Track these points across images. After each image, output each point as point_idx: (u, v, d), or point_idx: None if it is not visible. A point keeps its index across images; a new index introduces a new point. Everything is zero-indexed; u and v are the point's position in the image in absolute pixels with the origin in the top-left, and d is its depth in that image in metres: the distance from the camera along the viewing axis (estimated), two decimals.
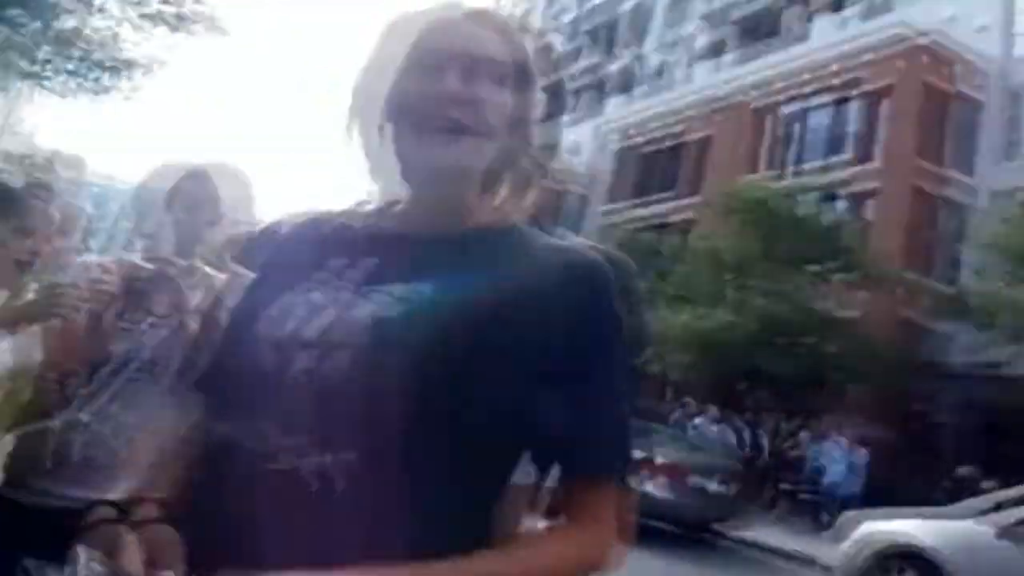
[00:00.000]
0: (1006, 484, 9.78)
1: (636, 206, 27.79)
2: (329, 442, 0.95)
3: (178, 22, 13.37)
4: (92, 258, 2.36)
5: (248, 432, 0.99)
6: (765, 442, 16.81)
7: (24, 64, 13.90)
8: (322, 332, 1.01)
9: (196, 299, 2.17)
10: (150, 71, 13.69)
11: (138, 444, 1.93)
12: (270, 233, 1.32)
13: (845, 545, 8.10)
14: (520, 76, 1.10)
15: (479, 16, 1.11)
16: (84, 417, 2.04)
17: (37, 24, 12.84)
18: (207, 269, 2.27)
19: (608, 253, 1.30)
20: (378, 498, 0.94)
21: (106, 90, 13.62)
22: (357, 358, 0.97)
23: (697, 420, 15.11)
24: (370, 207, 1.17)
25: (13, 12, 12.66)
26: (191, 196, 2.22)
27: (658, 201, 27.11)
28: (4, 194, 2.21)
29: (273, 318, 1.05)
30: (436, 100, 1.05)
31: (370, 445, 0.94)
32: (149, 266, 2.22)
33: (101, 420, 2.05)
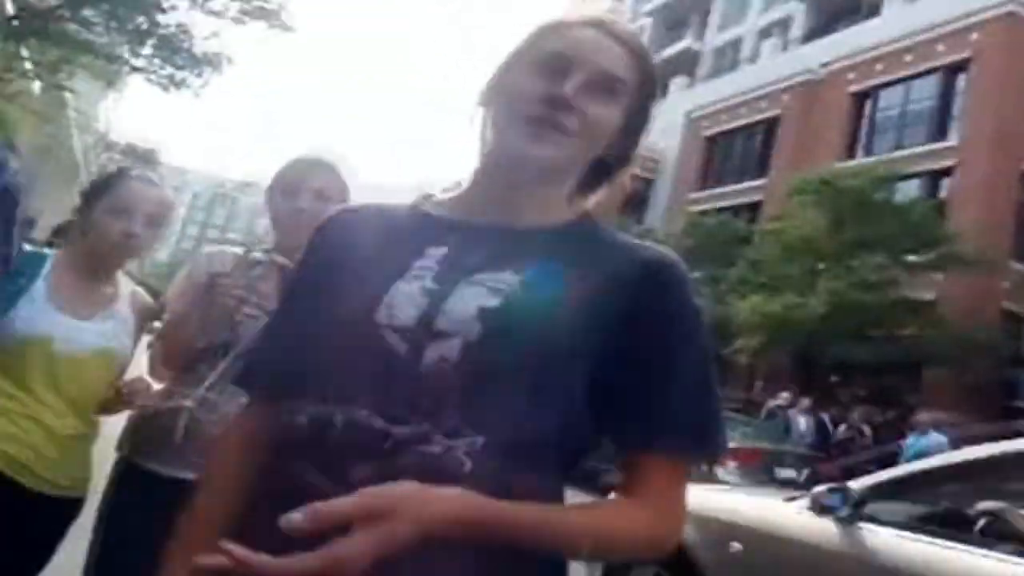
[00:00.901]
0: None
1: (706, 189, 27.28)
2: (452, 428, 0.96)
3: (243, 16, 13.52)
4: (215, 249, 2.42)
5: (344, 418, 0.98)
6: (857, 435, 16.12)
7: (100, 63, 14.23)
8: (430, 320, 1.01)
9: None
10: (219, 68, 13.83)
11: None
12: (345, 218, 1.24)
13: None
14: (636, 96, 1.13)
15: (615, 32, 1.13)
16: (188, 403, 2.11)
17: (112, 23, 13.10)
18: None
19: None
20: (501, 479, 0.95)
21: (177, 85, 13.79)
22: (466, 347, 0.99)
23: (790, 411, 14.60)
24: (447, 196, 1.19)
25: (87, 12, 12.93)
26: (326, 188, 2.25)
27: (729, 184, 26.57)
28: (100, 177, 2.26)
29: (368, 305, 1.04)
30: (548, 100, 1.06)
31: (493, 429, 0.96)
32: (263, 257, 2.26)
33: (202, 405, 2.12)
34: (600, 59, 1.09)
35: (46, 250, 2.22)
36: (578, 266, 1.06)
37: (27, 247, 2.20)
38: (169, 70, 13.86)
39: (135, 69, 14.25)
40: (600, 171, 1.17)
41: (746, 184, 25.88)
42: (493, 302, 1.02)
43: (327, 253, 1.17)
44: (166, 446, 2.12)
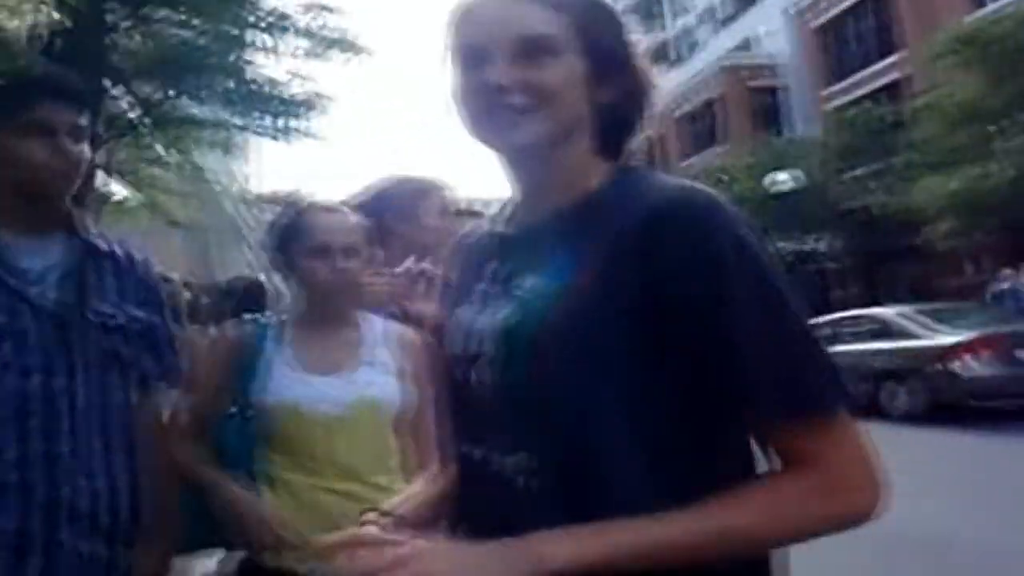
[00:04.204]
0: None
1: (835, 83, 24.46)
2: (505, 447, 0.93)
3: (324, 51, 12.53)
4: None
5: (461, 443, 1.02)
6: None
7: (209, 131, 13.81)
8: (468, 343, 0.98)
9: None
10: (321, 108, 12.89)
11: None
12: (454, 250, 1.17)
13: None
14: (582, 32, 0.96)
15: None
16: None
17: (204, 92, 12.58)
18: None
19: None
20: (566, 494, 0.88)
21: (285, 133, 13.03)
22: (491, 365, 0.93)
23: (1019, 287, 12.33)
24: (504, 206, 1.10)
25: (183, 88, 12.44)
26: (443, 205, 2.25)
27: (857, 70, 23.60)
28: (277, 225, 2.00)
29: (441, 337, 1.05)
30: (484, 92, 0.95)
31: (539, 443, 0.91)
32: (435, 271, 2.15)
33: None
34: (512, 28, 0.95)
35: (261, 318, 2.09)
36: (593, 244, 0.91)
37: (247, 316, 2.13)
38: (269, 120, 13.14)
39: (242, 128, 13.70)
40: (619, 117, 1.00)
41: (875, 66, 22.87)
42: (504, 314, 0.95)
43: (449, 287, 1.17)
44: None
